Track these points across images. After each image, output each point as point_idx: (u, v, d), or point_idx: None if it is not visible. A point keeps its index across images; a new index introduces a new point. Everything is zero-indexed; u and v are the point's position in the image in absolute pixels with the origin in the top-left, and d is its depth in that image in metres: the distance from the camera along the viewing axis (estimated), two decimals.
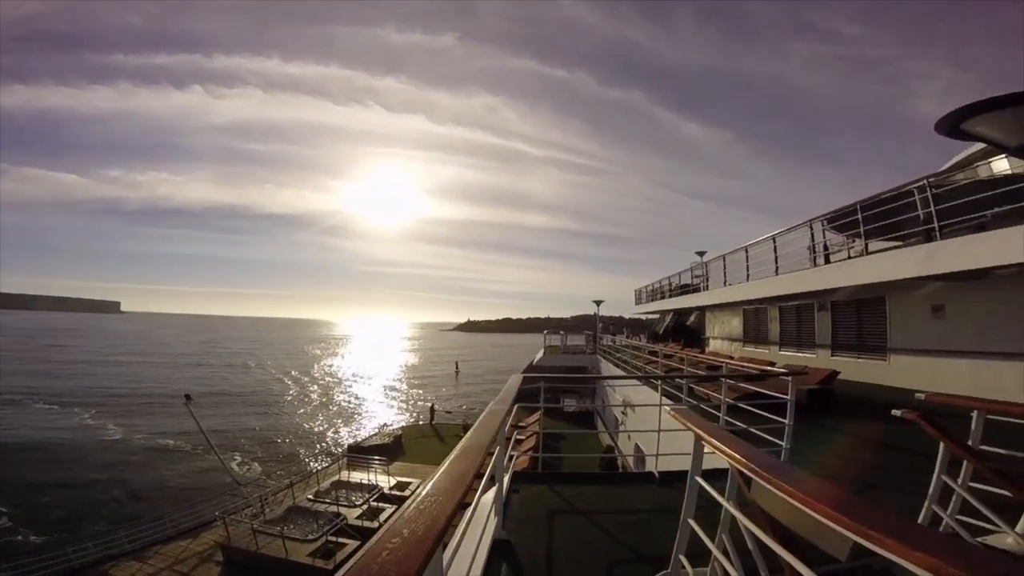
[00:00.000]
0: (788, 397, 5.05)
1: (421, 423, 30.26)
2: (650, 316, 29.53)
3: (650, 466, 8.68)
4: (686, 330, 18.68)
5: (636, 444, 11.60)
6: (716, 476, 2.25)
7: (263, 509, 14.37)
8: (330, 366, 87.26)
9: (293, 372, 72.72)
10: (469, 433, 2.18)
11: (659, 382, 7.85)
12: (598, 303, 27.16)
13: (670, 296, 20.47)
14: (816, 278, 10.27)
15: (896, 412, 2.85)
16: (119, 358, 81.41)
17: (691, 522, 2.29)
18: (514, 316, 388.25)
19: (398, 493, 15.95)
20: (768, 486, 1.53)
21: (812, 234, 10.65)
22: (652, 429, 5.45)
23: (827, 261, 10.42)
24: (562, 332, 28.34)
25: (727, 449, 1.84)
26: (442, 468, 1.52)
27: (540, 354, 26.32)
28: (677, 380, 8.13)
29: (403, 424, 32.58)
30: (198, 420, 15.49)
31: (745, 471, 1.70)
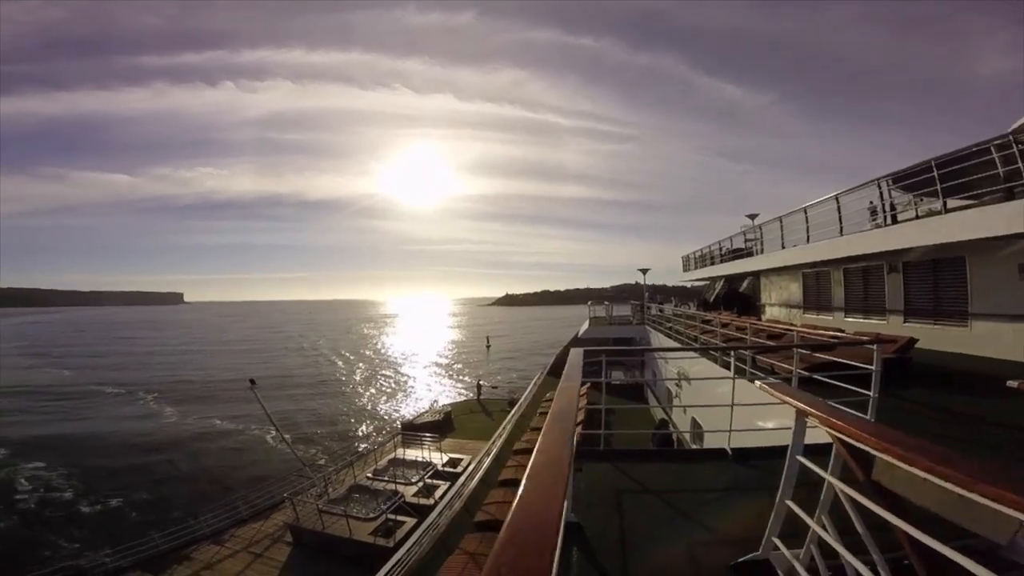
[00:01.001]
0: (872, 367, 4.70)
1: (468, 399, 30.89)
2: (696, 284, 28.54)
3: (710, 442, 8.46)
4: (739, 297, 17.75)
5: (693, 418, 11.30)
6: (812, 452, 2.16)
7: (327, 489, 14.90)
8: (379, 345, 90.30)
9: (344, 352, 75.77)
10: (548, 418, 2.00)
11: (732, 354, 7.49)
12: (644, 271, 26.16)
13: (721, 262, 19.61)
14: (888, 237, 9.43)
15: (1012, 383, 2.62)
16: (184, 347, 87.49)
17: (790, 503, 2.19)
18: (552, 288, 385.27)
19: (450, 470, 16.28)
20: (904, 464, 1.45)
21: (881, 193, 9.86)
22: (724, 404, 5.15)
23: (894, 221, 9.62)
24: (607, 303, 27.79)
25: (845, 425, 1.71)
26: (532, 463, 1.39)
27: (585, 326, 26.03)
28: (741, 352, 7.72)
29: (451, 401, 33.40)
30: (263, 404, 16.17)
31: (871, 449, 1.59)
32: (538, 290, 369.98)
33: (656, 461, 4.69)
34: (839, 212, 10.84)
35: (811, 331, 8.14)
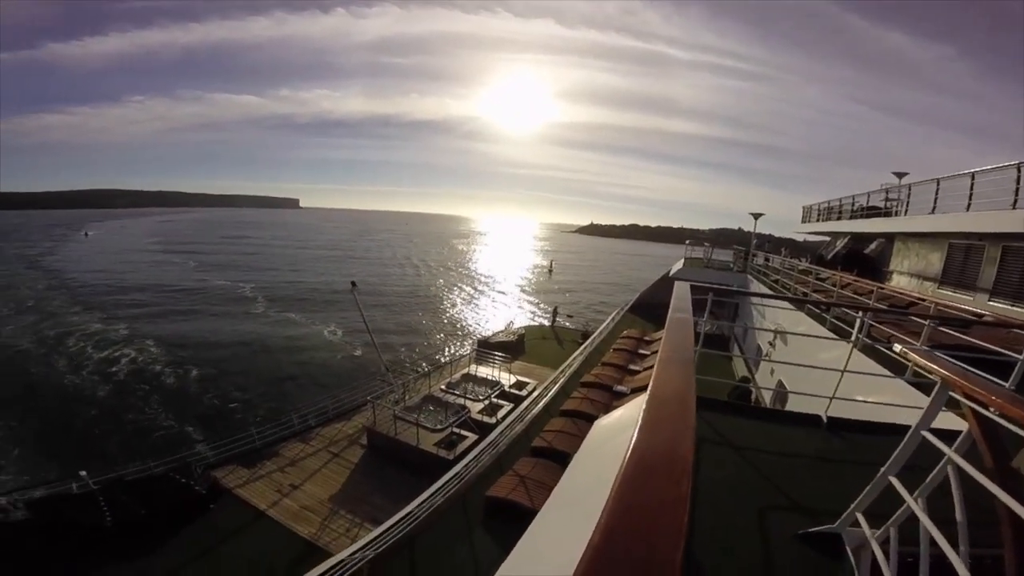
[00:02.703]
0: (1019, 356, 4.27)
1: (542, 325, 31.26)
2: (809, 238, 25.56)
3: (793, 406, 7.86)
4: (862, 259, 15.36)
5: (780, 380, 10.59)
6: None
7: (404, 396, 15.66)
8: (465, 260, 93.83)
9: (432, 264, 79.91)
10: (661, 350, 1.83)
11: (859, 316, 6.70)
12: (756, 216, 23.57)
13: (850, 217, 17.18)
14: None
15: None
16: (294, 248, 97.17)
17: (893, 479, 2.07)
18: (642, 223, 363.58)
19: (516, 392, 16.61)
20: None
21: None
22: (829, 368, 4.74)
23: None
24: (707, 244, 25.99)
25: (1005, 403, 1.50)
26: (651, 394, 1.29)
27: (679, 265, 24.74)
28: (856, 316, 6.86)
29: (526, 323, 34.08)
30: (360, 307, 17.21)
31: None
32: (626, 223, 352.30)
33: (741, 416, 4.48)
34: (1018, 183, 9.00)
35: (950, 306, 6.96)
